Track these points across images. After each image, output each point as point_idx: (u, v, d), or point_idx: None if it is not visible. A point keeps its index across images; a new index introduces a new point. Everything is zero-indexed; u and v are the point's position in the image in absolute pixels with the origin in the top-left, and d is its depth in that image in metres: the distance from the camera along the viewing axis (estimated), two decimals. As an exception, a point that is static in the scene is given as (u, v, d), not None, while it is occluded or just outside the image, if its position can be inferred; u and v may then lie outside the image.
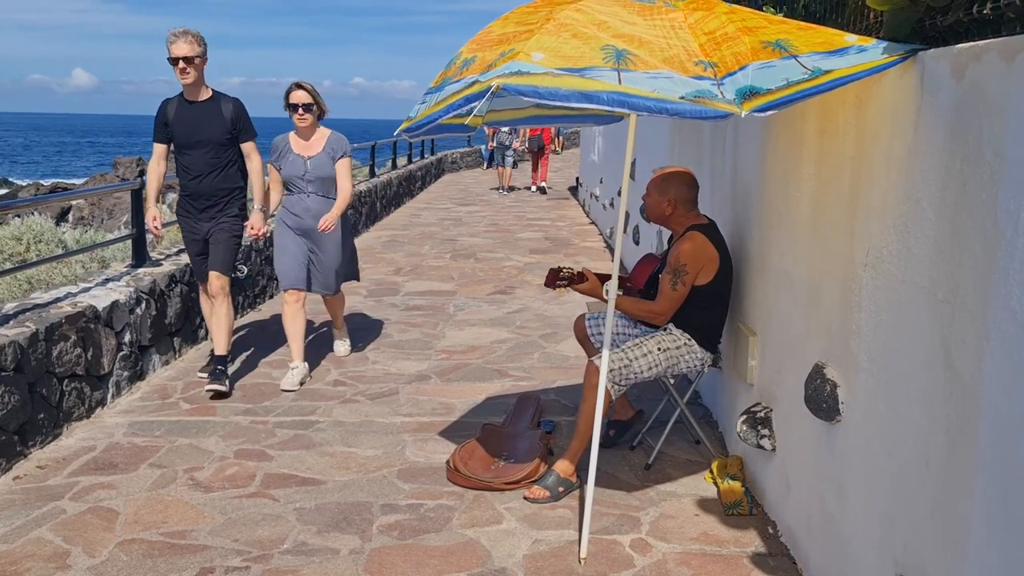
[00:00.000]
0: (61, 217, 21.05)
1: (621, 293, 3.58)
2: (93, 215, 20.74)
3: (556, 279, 3.85)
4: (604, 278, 3.92)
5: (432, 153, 22.29)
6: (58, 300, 4.76)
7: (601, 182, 12.43)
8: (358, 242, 11.34)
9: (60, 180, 40.93)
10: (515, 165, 18.77)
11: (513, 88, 2.28)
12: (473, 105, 2.35)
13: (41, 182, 39.42)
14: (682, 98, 2.23)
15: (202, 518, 3.50)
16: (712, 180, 4.74)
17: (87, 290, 5.08)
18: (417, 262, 9.71)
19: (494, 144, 18.85)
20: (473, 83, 2.43)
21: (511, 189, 18.39)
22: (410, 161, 18.81)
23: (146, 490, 3.75)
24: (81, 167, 60.47)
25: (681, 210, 3.85)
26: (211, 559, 3.18)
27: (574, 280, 3.84)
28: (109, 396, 4.87)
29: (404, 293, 8.01)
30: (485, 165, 25.06)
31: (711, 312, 3.83)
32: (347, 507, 3.62)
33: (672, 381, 4.06)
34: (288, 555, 3.22)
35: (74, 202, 21.61)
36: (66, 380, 4.44)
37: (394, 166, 16.91)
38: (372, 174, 14.60)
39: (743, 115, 2.20)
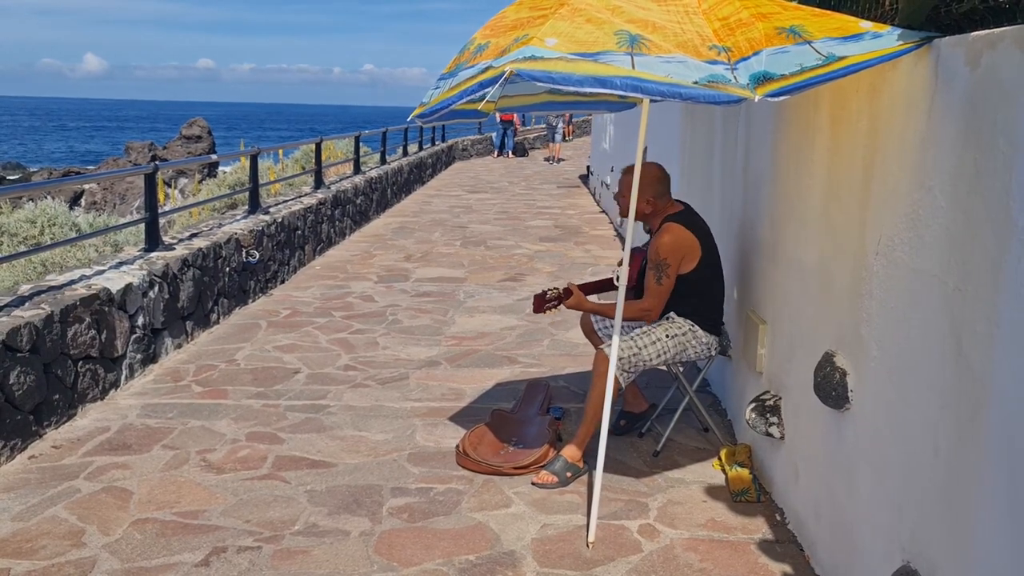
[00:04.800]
0: (74, 202, 21.17)
1: (616, 289, 3.60)
2: (106, 200, 20.86)
3: (544, 303, 3.92)
4: (595, 286, 3.97)
5: (443, 140, 22.27)
6: (72, 283, 4.80)
7: (612, 170, 12.40)
8: (369, 229, 11.44)
9: (72, 166, 41.11)
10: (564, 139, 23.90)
11: (527, 73, 2.28)
12: (487, 90, 2.37)
13: (53, 167, 39.63)
14: (696, 83, 2.23)
15: (214, 499, 3.54)
16: (723, 168, 4.74)
17: (101, 273, 5.12)
18: (427, 249, 9.73)
19: (544, 125, 24.55)
20: (487, 68, 2.44)
21: (559, 160, 22.41)
22: (420, 148, 18.82)
23: (159, 471, 3.80)
24: (92, 151, 60.71)
25: (659, 204, 3.84)
26: (223, 539, 3.22)
27: (561, 298, 3.89)
28: (123, 378, 4.91)
29: (414, 279, 8.04)
30: (496, 152, 25.03)
31: (705, 296, 3.84)
32: (357, 490, 3.65)
33: (681, 369, 4.07)
34: (299, 536, 3.26)
35: (87, 186, 21.73)
36: (80, 362, 4.49)
37: (405, 153, 16.92)
38: (383, 161, 14.62)
39: (756, 99, 2.21)
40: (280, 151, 13.23)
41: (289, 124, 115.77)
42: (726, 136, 4.70)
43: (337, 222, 10.13)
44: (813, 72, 2.27)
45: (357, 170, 12.58)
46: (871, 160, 2.56)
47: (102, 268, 5.24)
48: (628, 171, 3.92)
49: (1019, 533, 1.75)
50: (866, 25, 2.40)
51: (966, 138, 1.98)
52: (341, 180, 11.49)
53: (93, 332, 4.60)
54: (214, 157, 8.86)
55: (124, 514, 3.40)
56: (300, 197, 9.44)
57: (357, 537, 3.26)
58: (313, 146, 10.88)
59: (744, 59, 2.31)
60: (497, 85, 2.30)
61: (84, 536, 3.22)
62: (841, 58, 2.29)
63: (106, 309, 4.75)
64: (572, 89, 2.28)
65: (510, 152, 24.75)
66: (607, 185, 12.98)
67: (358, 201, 11.31)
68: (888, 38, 2.31)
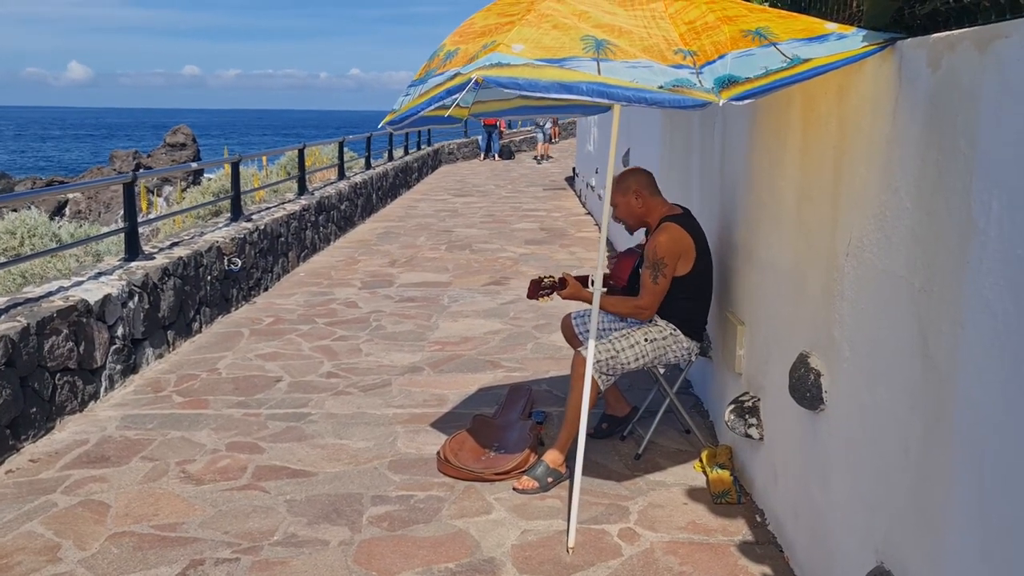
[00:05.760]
0: (58, 211, 21.04)
1: (605, 291, 3.59)
2: (90, 209, 20.75)
3: (539, 289, 3.91)
4: (583, 280, 3.96)
5: (429, 144, 22.26)
6: (50, 294, 4.76)
7: (597, 172, 12.41)
8: (354, 235, 11.40)
9: (56, 175, 40.90)
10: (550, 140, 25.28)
11: (493, 80, 2.28)
12: (455, 97, 2.36)
13: (40, 177, 39.43)
14: (661, 87, 2.24)
15: (193, 511, 3.52)
16: (702, 170, 4.74)
17: (79, 284, 5.08)
18: (412, 254, 9.71)
19: (531, 127, 26.79)
20: (455, 75, 2.44)
21: (548, 158, 23.68)
22: (406, 152, 18.81)
23: (137, 483, 3.77)
24: (77, 160, 60.39)
25: (648, 197, 3.85)
26: (201, 551, 3.19)
27: (556, 287, 3.88)
28: (102, 389, 4.88)
29: (399, 285, 8.02)
30: (482, 155, 25.03)
31: (693, 301, 3.84)
32: (337, 499, 3.63)
33: (662, 371, 4.07)
34: (278, 547, 3.24)
35: (71, 196, 21.60)
36: (58, 374, 4.45)
37: (390, 157, 16.89)
38: (368, 166, 14.59)
39: (721, 103, 2.21)
40: (264, 158, 13.19)
41: (276, 130, 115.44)
42: (704, 137, 4.71)
43: (322, 228, 10.10)
44: (778, 75, 2.27)
45: (342, 175, 12.56)
46: (840, 161, 2.56)
47: (81, 279, 5.20)
48: (615, 182, 3.93)
49: (987, 534, 1.75)
50: (832, 26, 2.41)
51: (929, 139, 1.99)
52: (325, 186, 11.46)
53: (71, 344, 4.57)
54: (194, 165, 8.85)
55: (101, 528, 3.37)
56: (283, 204, 9.41)
57: (336, 547, 3.24)
58: (297, 152, 10.85)
59: (709, 63, 2.31)
60: (464, 92, 2.30)
61: (60, 551, 3.19)
62: (806, 60, 2.30)
63: (84, 320, 4.72)
64: (540, 95, 2.28)
65: (496, 155, 24.78)
66: (592, 187, 13.00)
67: (343, 207, 11.28)
68: (853, 39, 2.32)
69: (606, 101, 2.24)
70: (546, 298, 3.91)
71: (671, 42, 2.38)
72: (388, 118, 2.87)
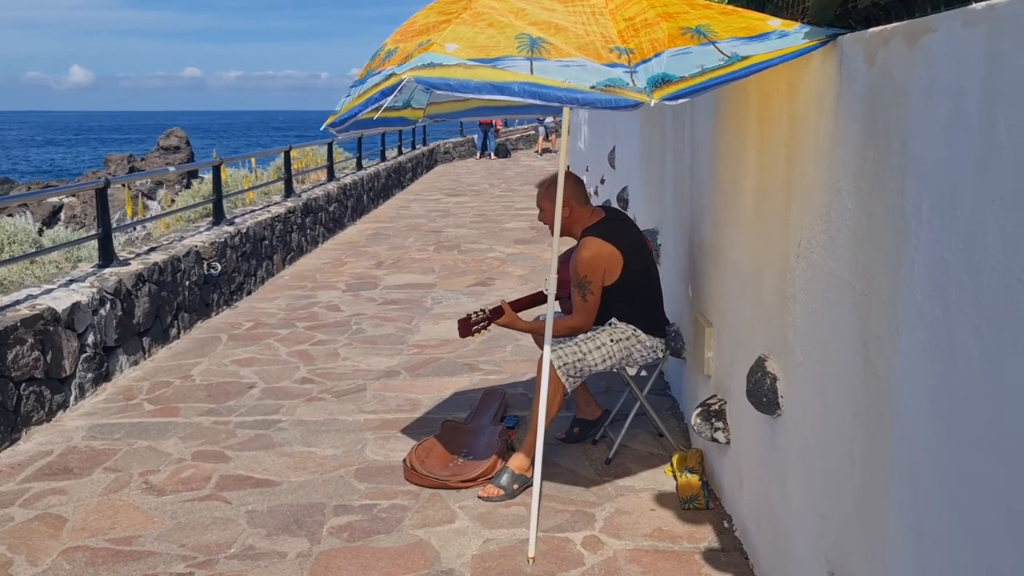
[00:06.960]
0: (53, 216, 21.01)
1: (557, 307, 3.53)
2: (85, 213, 20.72)
3: (470, 327, 3.84)
4: (522, 303, 3.91)
5: (424, 143, 22.18)
6: (17, 303, 4.71)
7: (587, 170, 12.33)
8: (343, 236, 11.33)
9: (54, 180, 40.97)
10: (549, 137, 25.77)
11: (424, 80, 2.22)
12: (387, 99, 2.29)
13: (40, 180, 39.49)
14: (593, 87, 2.17)
15: (151, 523, 3.46)
16: (675, 168, 4.67)
17: (49, 292, 5.03)
18: (400, 255, 9.65)
19: (529, 125, 27.72)
20: (390, 76, 2.38)
21: (546, 151, 24.60)
22: (400, 152, 18.72)
23: (97, 495, 3.71)
24: (78, 163, 60.42)
25: (577, 209, 3.74)
26: (155, 566, 3.13)
27: (490, 319, 3.81)
28: (71, 399, 4.82)
29: (383, 287, 7.95)
30: (478, 154, 24.95)
31: (639, 300, 3.77)
32: (299, 509, 3.57)
33: (633, 372, 3.99)
34: (234, 560, 3.18)
35: (65, 200, 21.57)
36: (23, 384, 4.39)
37: (383, 158, 16.80)
38: (359, 166, 14.51)
39: (652, 104, 2.14)
40: (253, 160, 13.12)
41: (275, 131, 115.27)
42: (675, 135, 4.63)
43: (309, 230, 10.04)
44: (714, 73, 2.20)
45: (331, 177, 12.49)
46: (792, 160, 2.49)
47: (51, 287, 5.15)
48: (540, 184, 3.86)
49: (921, 544, 1.68)
50: (774, 23, 2.33)
51: (867, 138, 1.91)
52: (313, 188, 11.40)
53: (37, 353, 4.51)
54: (171, 169, 8.78)
55: (55, 542, 3.31)
56: (268, 207, 9.35)
57: (294, 559, 3.18)
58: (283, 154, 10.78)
59: (645, 61, 2.24)
60: (393, 94, 2.23)
61: (12, 567, 3.14)
62: (744, 58, 2.23)
63: (51, 329, 4.66)
64: (472, 95, 2.21)
65: (492, 153, 24.70)
66: (584, 185, 12.90)
67: (331, 208, 11.21)
68: (794, 36, 2.25)
69: (538, 102, 2.17)
70: (482, 332, 3.86)
71: (608, 39, 2.31)
72: (329, 120, 2.80)
